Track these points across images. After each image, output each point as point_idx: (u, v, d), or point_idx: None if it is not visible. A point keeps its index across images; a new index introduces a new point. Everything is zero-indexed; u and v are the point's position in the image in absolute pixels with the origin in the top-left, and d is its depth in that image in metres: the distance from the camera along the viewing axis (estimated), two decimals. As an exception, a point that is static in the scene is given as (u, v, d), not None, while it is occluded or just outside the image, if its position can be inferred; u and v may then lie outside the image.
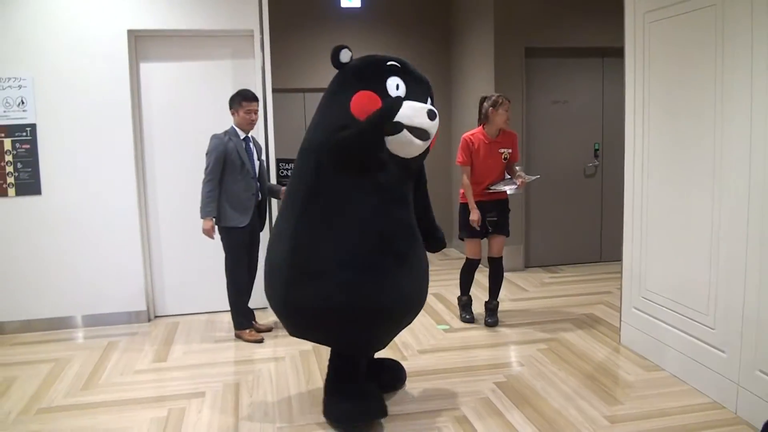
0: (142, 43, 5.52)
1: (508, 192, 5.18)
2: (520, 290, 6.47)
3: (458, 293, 5.65)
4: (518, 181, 5.17)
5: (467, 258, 5.47)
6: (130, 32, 5.41)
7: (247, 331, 5.13)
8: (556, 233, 7.48)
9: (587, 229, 7.55)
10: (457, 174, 6.86)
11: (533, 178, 5.40)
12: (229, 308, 5.15)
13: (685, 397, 3.92)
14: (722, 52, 3.65)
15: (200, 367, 4.60)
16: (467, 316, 5.54)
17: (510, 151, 5.26)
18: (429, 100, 3.66)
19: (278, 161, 5.44)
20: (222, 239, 5.00)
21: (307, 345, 4.95)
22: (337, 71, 3.60)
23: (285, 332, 5.22)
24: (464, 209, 5.34)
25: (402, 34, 8.26)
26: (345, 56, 3.52)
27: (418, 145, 3.47)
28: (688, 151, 4.01)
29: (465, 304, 5.59)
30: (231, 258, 5.02)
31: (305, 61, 7.99)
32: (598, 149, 7.44)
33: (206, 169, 4.86)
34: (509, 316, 5.63)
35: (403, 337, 5.11)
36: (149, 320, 5.65)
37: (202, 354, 4.84)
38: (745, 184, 3.53)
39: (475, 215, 5.18)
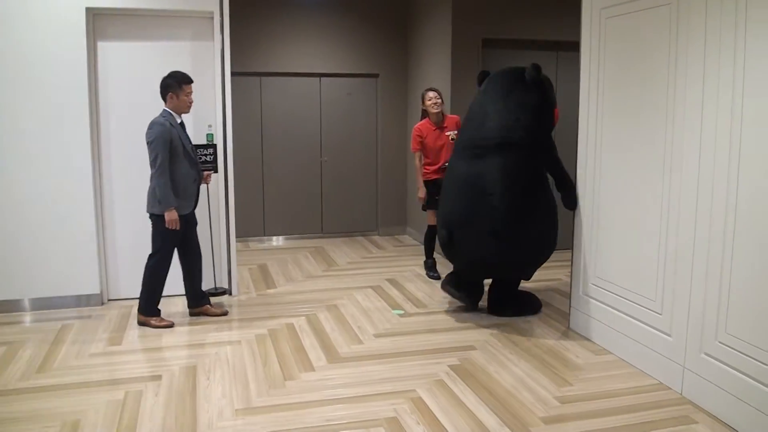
0: (101, 21, 5.38)
1: None
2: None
3: (414, 280, 5.74)
4: None
5: (429, 225, 6.43)
6: (88, 10, 5.26)
7: (154, 318, 5.00)
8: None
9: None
10: (413, 160, 6.88)
11: None
12: (183, 292, 5.12)
13: (632, 379, 4.04)
14: (676, 49, 3.74)
15: (156, 350, 4.54)
16: (433, 274, 6.48)
17: (456, 132, 6.11)
18: None
19: (196, 147, 5.30)
20: (157, 227, 4.84)
21: (263, 329, 4.93)
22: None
23: (239, 317, 5.23)
24: (425, 185, 6.28)
25: (361, 22, 8.24)
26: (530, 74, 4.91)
27: None
28: (640, 144, 4.11)
29: (430, 265, 6.57)
30: (165, 246, 4.88)
31: (263, 46, 7.91)
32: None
33: (155, 160, 4.68)
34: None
35: (359, 321, 5.13)
36: (102, 303, 5.54)
37: (157, 337, 4.78)
38: (694, 178, 3.64)
39: (421, 193, 6.29)
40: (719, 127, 3.43)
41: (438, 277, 6.43)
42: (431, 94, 6.21)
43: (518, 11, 7.13)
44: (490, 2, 7.05)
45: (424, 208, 6.42)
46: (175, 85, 4.79)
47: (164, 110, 4.83)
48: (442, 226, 5.11)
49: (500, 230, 4.76)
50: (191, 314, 5.21)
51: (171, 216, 4.75)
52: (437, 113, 6.19)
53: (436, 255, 6.73)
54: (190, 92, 4.86)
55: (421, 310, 5.46)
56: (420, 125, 6.28)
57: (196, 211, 5.15)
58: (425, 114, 6.29)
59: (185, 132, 4.93)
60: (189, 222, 5.02)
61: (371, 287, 6.14)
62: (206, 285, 5.69)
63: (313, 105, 8.32)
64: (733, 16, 3.31)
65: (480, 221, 4.81)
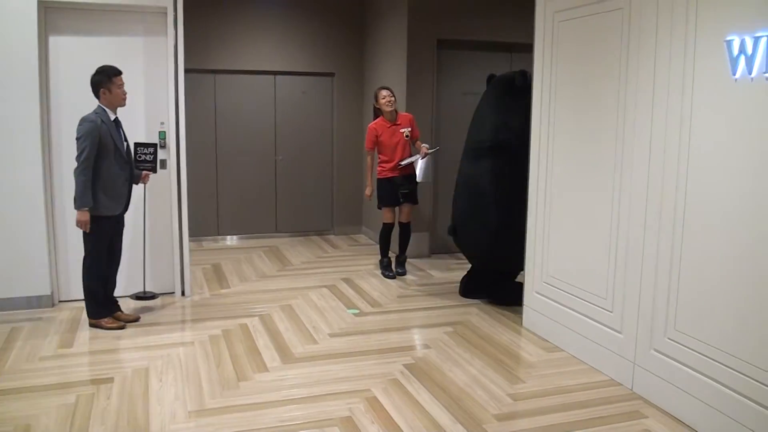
0: (53, 15, 5.24)
1: (419, 161, 6.20)
2: (427, 275, 6.58)
3: (369, 279, 5.72)
4: (422, 153, 6.21)
5: (384, 223, 6.50)
6: (40, 3, 5.11)
7: (105, 319, 4.88)
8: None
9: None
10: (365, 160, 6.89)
11: (433, 150, 6.42)
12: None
13: (584, 376, 4.10)
14: (627, 52, 3.81)
15: (108, 352, 4.43)
16: (389, 273, 6.50)
17: (410, 129, 6.33)
18: None
19: (136, 145, 5.17)
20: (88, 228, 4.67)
21: (216, 330, 4.87)
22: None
23: (192, 318, 5.15)
24: (380, 184, 6.39)
25: (317, 21, 8.20)
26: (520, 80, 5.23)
27: None
28: (591, 146, 4.18)
29: (386, 264, 6.58)
30: (96, 248, 4.73)
31: (217, 42, 7.81)
32: (503, 141, 7.64)
33: (80, 155, 4.51)
34: (416, 300, 5.72)
35: (314, 321, 5.10)
36: (53, 305, 5.39)
37: (109, 339, 4.67)
38: (644, 179, 3.71)
39: (368, 191, 6.48)
40: (669, 128, 3.51)
41: (393, 276, 6.45)
42: (384, 92, 6.29)
43: (473, 13, 7.18)
44: (445, 3, 7.08)
45: (380, 206, 6.47)
46: (106, 79, 4.63)
47: (98, 106, 4.66)
48: (451, 220, 5.83)
49: (492, 228, 5.32)
50: (91, 325, 4.93)
51: (82, 216, 4.56)
52: (391, 111, 6.28)
53: (391, 253, 6.74)
54: (122, 84, 4.70)
55: (376, 309, 5.46)
56: (375, 124, 6.36)
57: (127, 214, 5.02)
58: (378, 113, 6.40)
59: (119, 130, 4.76)
60: (117, 226, 4.87)
61: (326, 287, 6.11)
62: (135, 288, 5.61)
63: (267, 103, 8.25)
64: (684, 20, 3.39)
65: (476, 219, 5.43)
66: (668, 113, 3.50)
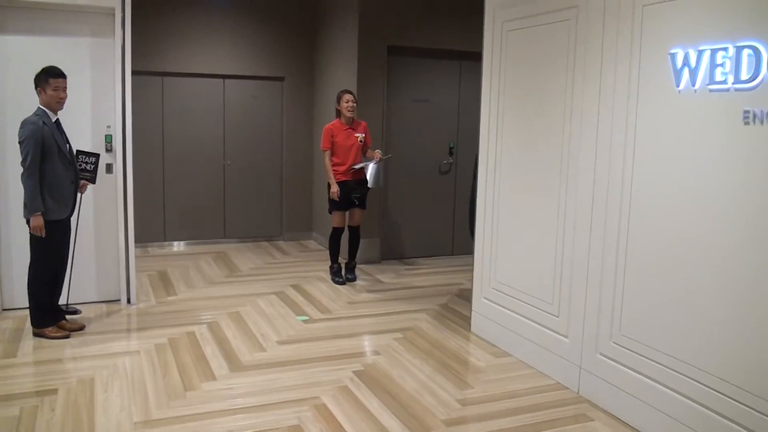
0: (-4, 13, 5.08)
1: (371, 166, 6.26)
2: (377, 282, 6.58)
3: (319, 285, 5.69)
4: (375, 157, 6.29)
5: (333, 227, 6.50)
6: (-20, 1, 4.95)
7: (50, 328, 4.73)
8: (412, 227, 7.66)
9: (441, 224, 7.79)
10: (319, 165, 6.88)
11: (386, 156, 6.52)
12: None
13: (531, 380, 4.15)
14: (573, 63, 3.88)
15: (52, 362, 4.30)
16: (339, 279, 6.50)
17: (364, 135, 6.37)
18: None
19: (78, 153, 4.99)
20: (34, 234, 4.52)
21: (162, 338, 4.78)
22: None
23: (138, 326, 5.05)
24: (330, 188, 6.33)
25: (267, 22, 8.13)
26: None
27: None
28: (538, 153, 4.24)
29: (336, 270, 6.57)
30: (44, 254, 4.59)
31: (166, 44, 7.68)
32: (453, 147, 7.70)
33: (25, 159, 4.38)
34: (366, 306, 5.72)
35: (262, 328, 5.05)
36: (-11, 312, 5.23)
37: (53, 349, 4.53)
38: (589, 185, 3.78)
39: (335, 188, 6.28)
40: (614, 136, 3.59)
41: (343, 282, 6.45)
42: (348, 96, 6.30)
43: (423, 20, 7.22)
44: (396, 10, 7.11)
45: (331, 210, 6.45)
46: (43, 79, 4.50)
47: (38, 108, 4.53)
48: (468, 223, 5.86)
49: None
50: (35, 334, 4.76)
51: (36, 222, 4.42)
52: (350, 116, 6.29)
53: (341, 259, 6.73)
54: (59, 87, 4.54)
55: (325, 315, 5.43)
56: (331, 124, 6.36)
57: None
58: (338, 114, 6.38)
59: (60, 131, 4.63)
60: (63, 229, 4.72)
61: (275, 293, 6.06)
62: (75, 297, 5.41)
63: (216, 107, 8.15)
64: (629, 32, 3.47)
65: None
66: (613, 122, 3.58)
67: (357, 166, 6.31)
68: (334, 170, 6.32)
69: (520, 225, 4.46)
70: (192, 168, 8.09)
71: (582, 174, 3.84)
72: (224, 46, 7.99)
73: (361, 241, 6.72)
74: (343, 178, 6.30)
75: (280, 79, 8.33)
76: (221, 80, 8.09)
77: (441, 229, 7.80)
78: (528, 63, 4.32)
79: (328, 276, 6.66)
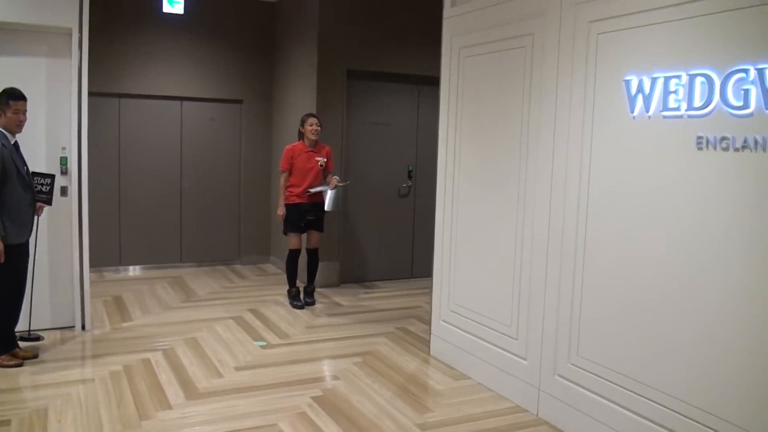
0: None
1: (329, 191, 6.26)
2: (336, 305, 6.55)
3: (277, 308, 5.67)
4: (332, 184, 6.28)
5: (290, 249, 6.44)
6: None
7: (2, 356, 4.58)
8: (371, 250, 7.66)
9: (401, 246, 7.81)
10: (277, 188, 6.84)
11: (343, 183, 6.53)
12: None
13: (490, 403, 4.16)
14: (530, 89, 3.95)
15: (5, 392, 4.15)
16: (297, 303, 6.45)
17: (325, 160, 6.38)
18: None
19: (33, 174, 4.86)
20: None
21: (117, 366, 4.67)
22: None
23: (93, 353, 4.93)
24: (288, 208, 6.32)
25: (225, 45, 8.10)
26: None
27: None
28: (495, 177, 4.29)
29: (294, 294, 6.55)
30: (1, 280, 4.45)
31: (123, 65, 7.58)
32: (411, 171, 7.74)
33: None
34: (325, 331, 5.68)
35: (219, 354, 4.97)
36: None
37: (6, 378, 4.37)
38: (545, 209, 3.84)
39: (280, 210, 6.33)
40: (570, 161, 3.65)
41: (302, 306, 6.40)
42: (313, 120, 6.33)
43: (382, 45, 7.28)
44: (356, 34, 7.16)
45: (285, 231, 6.42)
46: (3, 101, 4.40)
47: None
48: None
49: None
50: None
51: None
52: (314, 139, 6.32)
53: (299, 283, 6.68)
54: (20, 110, 4.46)
55: (283, 341, 5.38)
56: (293, 145, 6.39)
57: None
58: (301, 137, 6.40)
59: (19, 153, 4.54)
60: (22, 253, 4.60)
61: (232, 318, 5.98)
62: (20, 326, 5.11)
63: (173, 129, 8.06)
64: (584, 59, 3.55)
65: None
66: (569, 148, 3.65)
67: (313, 190, 6.30)
68: (289, 191, 6.31)
69: (478, 247, 4.49)
70: (148, 191, 7.97)
71: (539, 198, 3.89)
72: (182, 68, 7.93)
73: (320, 264, 6.68)
74: (298, 201, 6.29)
75: (238, 101, 8.29)
76: (179, 102, 8.02)
77: (400, 252, 7.81)
78: (485, 89, 4.38)
79: (286, 300, 6.60)
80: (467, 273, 4.63)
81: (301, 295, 6.56)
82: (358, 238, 7.59)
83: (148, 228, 8.01)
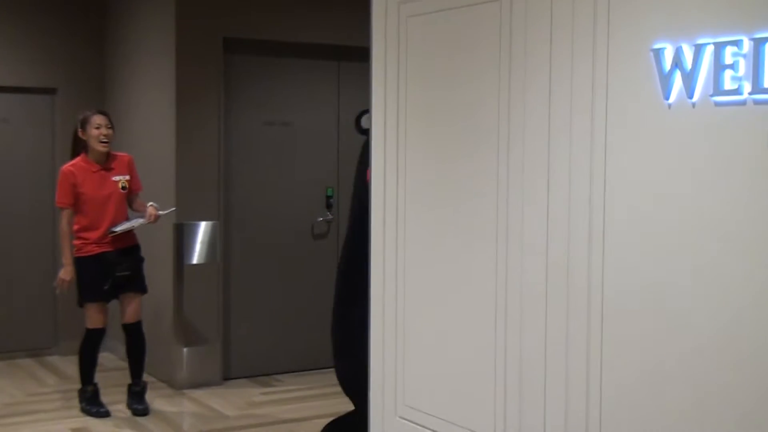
0: None
1: (135, 226, 6.35)
2: (217, 417, 6.52)
3: (121, 425, 5.78)
4: (148, 215, 6.35)
5: (88, 330, 6.46)
6: None
7: None
8: (271, 327, 7.61)
9: (317, 318, 7.74)
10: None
11: (167, 211, 6.61)
12: None
13: None
14: (509, 67, 3.99)
15: None
16: (101, 410, 6.46)
17: (128, 177, 6.45)
18: None
19: None
20: None
21: None
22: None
23: None
24: (82, 266, 6.31)
25: (26, 6, 8.07)
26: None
27: None
28: (464, 201, 4.30)
29: (92, 395, 6.52)
30: None
31: None
32: (332, 196, 7.76)
33: None
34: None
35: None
36: None
37: None
38: (542, 256, 3.86)
39: (67, 273, 6.33)
40: (574, 175, 3.66)
41: (108, 413, 6.46)
42: (100, 119, 6.30)
43: (281, 2, 7.33)
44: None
45: (82, 302, 6.40)
46: None
47: None
48: None
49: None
50: None
51: None
52: (103, 151, 6.32)
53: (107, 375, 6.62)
54: None
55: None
56: (72, 166, 6.32)
57: None
58: (79, 148, 6.39)
59: None
60: None
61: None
62: None
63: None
64: (591, 16, 3.55)
65: None
66: (572, 158, 3.66)
67: (119, 229, 6.30)
68: (83, 239, 6.27)
69: (441, 316, 4.48)
70: None
71: (531, 236, 3.89)
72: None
73: (193, 350, 6.64)
74: (98, 250, 6.28)
75: (50, 91, 8.24)
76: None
77: (316, 328, 7.75)
78: (441, 67, 4.42)
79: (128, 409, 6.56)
80: (425, 356, 4.62)
81: (128, 398, 6.60)
82: (250, 308, 7.55)
83: None
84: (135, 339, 6.58)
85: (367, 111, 5.21)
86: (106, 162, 6.34)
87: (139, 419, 6.42)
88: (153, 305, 7.42)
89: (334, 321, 5.71)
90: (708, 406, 3.24)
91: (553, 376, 3.86)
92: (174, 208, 6.85)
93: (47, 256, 8.32)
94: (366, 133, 5.18)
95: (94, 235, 6.23)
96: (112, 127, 6.34)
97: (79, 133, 6.29)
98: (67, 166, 6.29)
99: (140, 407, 6.49)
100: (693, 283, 3.25)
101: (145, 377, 6.52)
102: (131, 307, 6.48)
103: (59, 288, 6.35)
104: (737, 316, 3.14)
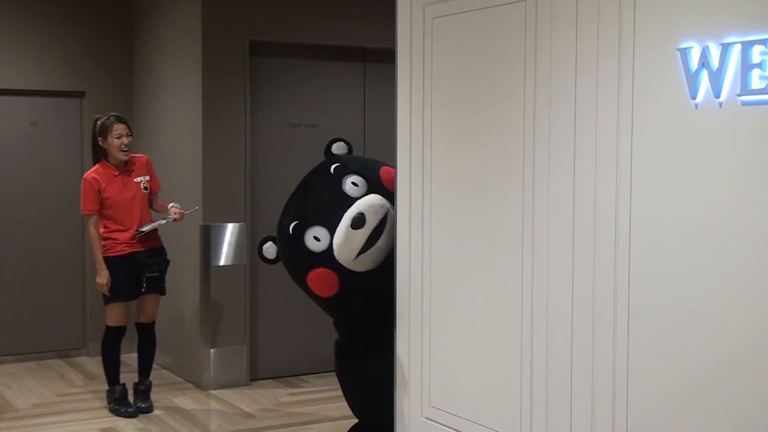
0: None
1: (162, 224, 6.44)
2: (244, 417, 6.52)
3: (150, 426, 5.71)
4: (173, 214, 6.47)
5: (109, 327, 6.53)
6: None
7: None
8: (298, 328, 7.61)
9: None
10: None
11: (191, 210, 6.69)
12: None
13: None
14: (534, 65, 3.97)
15: None
16: (129, 410, 6.51)
17: (148, 178, 6.53)
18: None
19: None
20: None
21: None
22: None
23: None
24: (113, 266, 6.33)
25: (56, 15, 8.10)
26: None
27: None
28: (489, 204, 4.30)
29: (120, 395, 6.59)
30: None
31: None
32: (358, 198, 7.76)
33: None
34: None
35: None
36: None
37: None
38: (567, 257, 3.84)
39: (102, 277, 6.28)
40: (599, 179, 3.66)
41: (135, 413, 6.50)
42: (120, 127, 6.34)
43: (306, 4, 7.33)
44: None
45: (109, 300, 6.43)
46: None
47: None
48: None
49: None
50: None
51: None
52: (123, 159, 6.39)
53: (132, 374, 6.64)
54: None
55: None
56: (94, 172, 6.39)
57: None
58: (99, 154, 6.42)
59: None
60: None
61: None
62: None
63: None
64: (616, 15, 3.55)
65: None
66: (597, 158, 3.66)
67: (145, 229, 6.39)
68: (113, 241, 6.33)
69: (468, 317, 4.48)
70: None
71: (557, 239, 3.88)
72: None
73: (219, 350, 6.64)
74: (129, 250, 6.37)
75: (79, 94, 8.27)
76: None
77: (343, 328, 7.79)
78: (466, 66, 4.41)
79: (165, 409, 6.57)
80: (451, 356, 4.62)
81: (132, 397, 6.62)
82: (275, 313, 7.55)
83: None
84: (149, 338, 6.70)
85: (338, 140, 5.78)
86: (126, 165, 6.42)
87: (167, 419, 6.42)
88: (180, 307, 7.46)
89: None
90: (741, 415, 3.21)
91: (579, 379, 3.83)
92: (197, 207, 6.86)
93: (76, 259, 8.36)
94: (333, 159, 5.61)
95: (124, 236, 6.31)
96: (131, 134, 6.38)
97: (99, 141, 6.32)
98: (90, 173, 6.37)
99: (144, 405, 6.58)
100: (721, 285, 3.22)
101: (173, 378, 6.52)
102: (151, 308, 6.59)
103: (101, 289, 6.33)
104: None
